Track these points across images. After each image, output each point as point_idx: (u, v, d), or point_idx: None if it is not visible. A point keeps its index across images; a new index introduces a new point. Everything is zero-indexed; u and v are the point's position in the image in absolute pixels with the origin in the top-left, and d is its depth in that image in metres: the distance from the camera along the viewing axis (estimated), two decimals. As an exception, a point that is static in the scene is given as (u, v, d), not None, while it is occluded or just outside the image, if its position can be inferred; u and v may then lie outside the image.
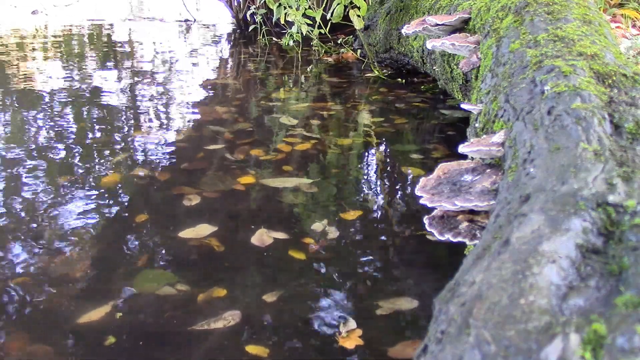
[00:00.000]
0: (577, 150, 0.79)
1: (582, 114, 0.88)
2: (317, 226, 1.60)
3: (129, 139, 2.32)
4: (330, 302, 1.27)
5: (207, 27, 5.66)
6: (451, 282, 0.65)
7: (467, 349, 0.50)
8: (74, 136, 2.34)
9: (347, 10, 3.32)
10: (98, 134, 2.38)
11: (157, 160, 2.08)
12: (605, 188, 0.68)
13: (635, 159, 0.76)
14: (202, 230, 1.57)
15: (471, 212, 0.98)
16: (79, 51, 4.34)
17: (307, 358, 1.11)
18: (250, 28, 4.69)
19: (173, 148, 2.23)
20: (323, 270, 1.39)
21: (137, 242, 1.52)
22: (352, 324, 1.19)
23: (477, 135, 1.23)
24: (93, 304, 1.25)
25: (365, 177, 2.02)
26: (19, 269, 1.36)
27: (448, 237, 0.96)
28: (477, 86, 1.49)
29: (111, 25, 5.78)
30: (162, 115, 2.70)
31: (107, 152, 2.14)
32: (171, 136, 2.37)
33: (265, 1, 4.16)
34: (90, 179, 1.89)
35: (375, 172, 2.07)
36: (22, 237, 1.51)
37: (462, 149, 1.07)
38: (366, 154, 2.24)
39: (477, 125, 1.27)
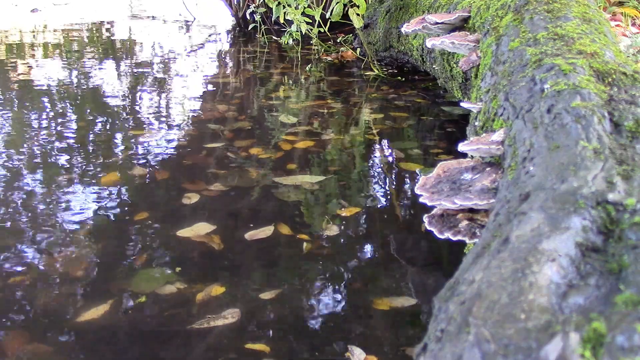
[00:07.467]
0: (577, 149, 0.79)
1: (581, 113, 0.88)
2: (317, 223, 1.59)
3: (129, 137, 2.32)
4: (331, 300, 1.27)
5: (207, 26, 5.65)
6: (451, 281, 0.65)
7: (466, 347, 0.50)
8: (73, 135, 2.34)
9: (346, 8, 3.31)
10: (97, 132, 2.37)
11: (157, 159, 2.08)
12: (604, 186, 0.68)
13: (635, 157, 0.76)
14: (201, 228, 1.56)
15: (471, 210, 0.98)
16: (78, 49, 4.34)
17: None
18: (250, 27, 4.68)
19: (173, 146, 2.23)
20: (322, 267, 1.39)
21: (136, 240, 1.52)
22: (359, 351, 1.10)
23: (476, 133, 1.23)
24: (92, 302, 1.25)
25: (366, 174, 2.02)
26: (18, 268, 1.36)
27: (447, 235, 0.96)
28: (476, 84, 1.48)
29: (111, 23, 5.77)
30: (162, 114, 2.70)
31: (106, 150, 2.14)
32: (171, 134, 2.36)
33: (264, 0, 4.15)
34: (90, 178, 1.89)
35: (375, 170, 2.07)
36: (21, 236, 1.51)
37: (461, 147, 1.07)
38: (366, 151, 2.23)
39: (476, 123, 1.27)
